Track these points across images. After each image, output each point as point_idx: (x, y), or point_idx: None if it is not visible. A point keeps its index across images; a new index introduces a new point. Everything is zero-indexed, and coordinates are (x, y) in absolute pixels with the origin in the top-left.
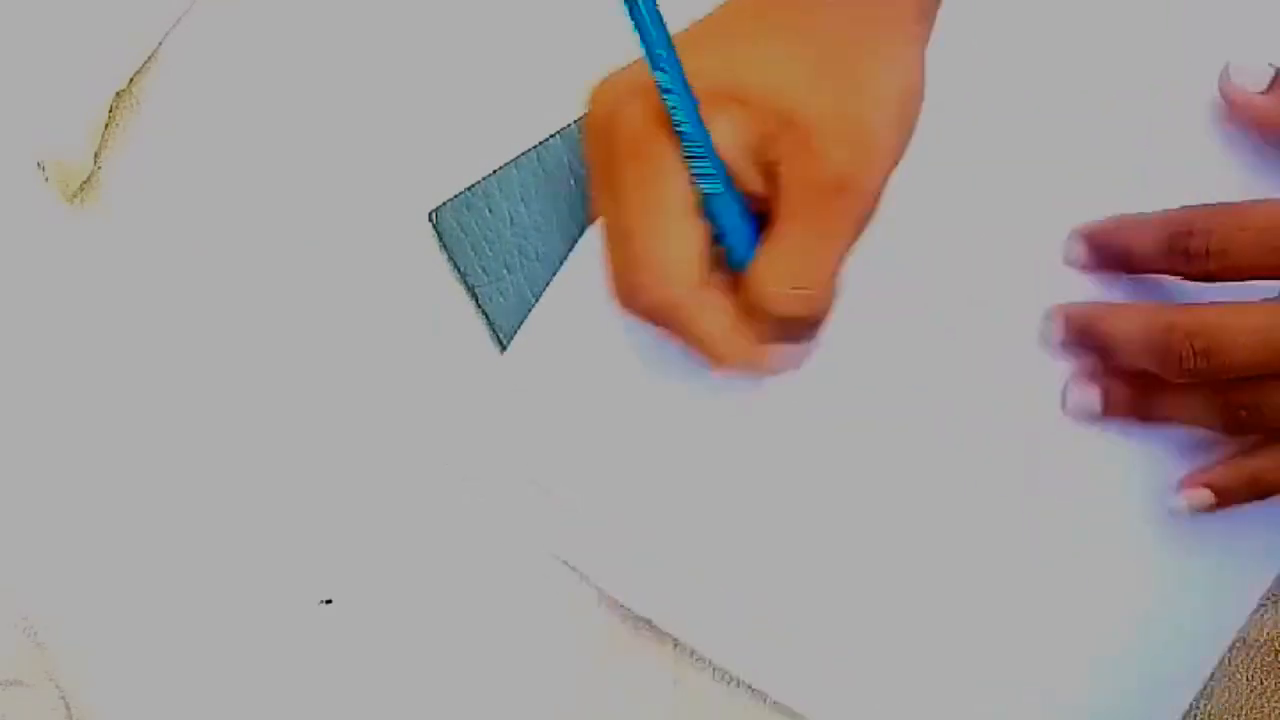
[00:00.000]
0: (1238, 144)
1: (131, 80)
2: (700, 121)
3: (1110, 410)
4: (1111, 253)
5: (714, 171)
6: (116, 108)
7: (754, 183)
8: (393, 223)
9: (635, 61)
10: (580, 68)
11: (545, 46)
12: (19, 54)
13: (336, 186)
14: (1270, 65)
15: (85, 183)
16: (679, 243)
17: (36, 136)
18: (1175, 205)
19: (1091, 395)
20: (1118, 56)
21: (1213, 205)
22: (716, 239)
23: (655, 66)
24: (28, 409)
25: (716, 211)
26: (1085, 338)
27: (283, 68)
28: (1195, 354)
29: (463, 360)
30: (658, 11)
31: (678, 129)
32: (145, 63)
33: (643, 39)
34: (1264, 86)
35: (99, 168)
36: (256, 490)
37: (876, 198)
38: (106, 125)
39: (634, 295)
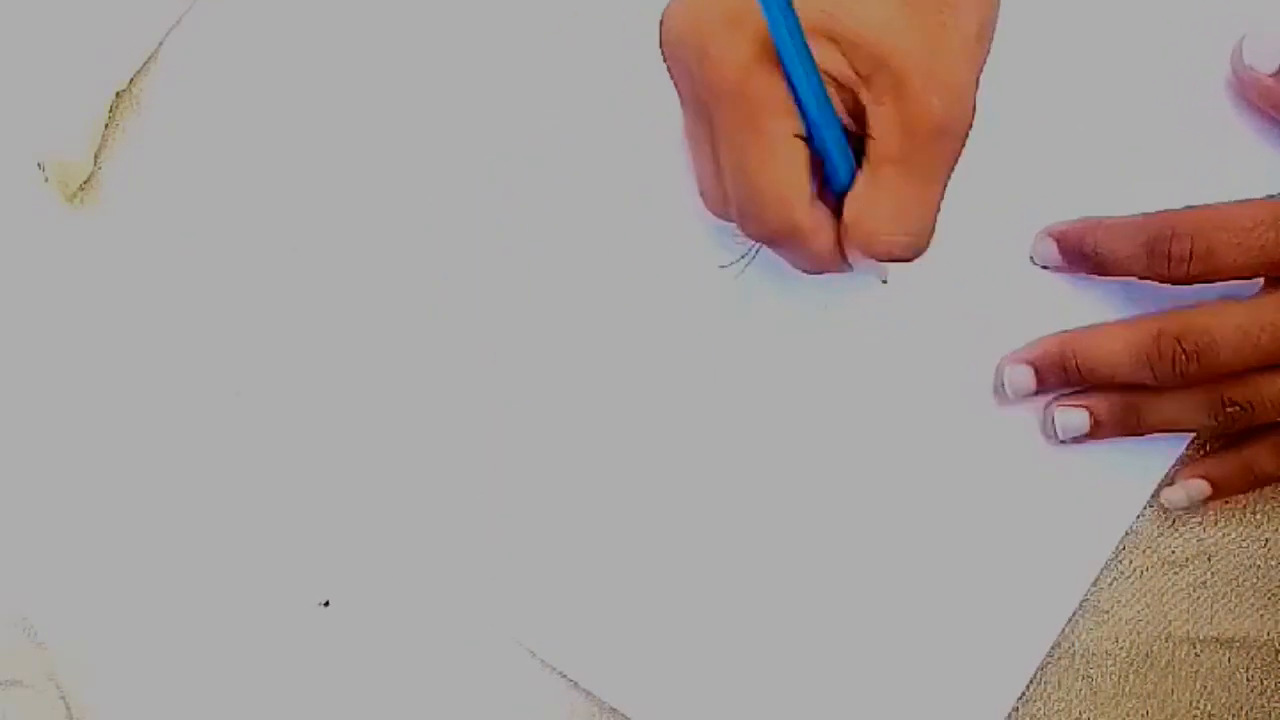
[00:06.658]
0: (1223, 143)
1: (131, 80)
2: (809, 52)
3: (1099, 429)
4: (1083, 256)
5: (821, 102)
6: (116, 108)
7: (842, 120)
8: (393, 223)
9: None
10: (580, 68)
11: (545, 47)
12: (19, 54)
13: (336, 186)
14: None
15: (85, 183)
16: (791, 170)
17: (36, 136)
18: (1161, 202)
19: (1078, 416)
20: (1109, 52)
21: (1190, 208)
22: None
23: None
24: (27, 409)
25: (820, 139)
26: (1061, 374)
27: (283, 68)
28: (1186, 356)
29: (463, 360)
30: None
31: (786, 59)
32: (145, 63)
33: None
34: (1275, 68)
35: (99, 168)
36: (255, 491)
37: (965, 140)
38: (106, 125)
39: (755, 222)
